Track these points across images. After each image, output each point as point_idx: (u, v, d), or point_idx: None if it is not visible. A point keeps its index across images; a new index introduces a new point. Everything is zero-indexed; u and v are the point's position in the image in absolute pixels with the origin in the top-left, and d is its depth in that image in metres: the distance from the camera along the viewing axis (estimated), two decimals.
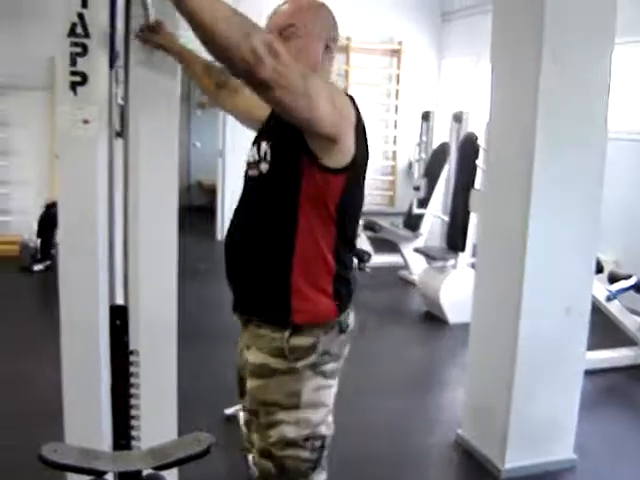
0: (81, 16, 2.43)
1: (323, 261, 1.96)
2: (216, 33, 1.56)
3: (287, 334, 1.96)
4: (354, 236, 2.08)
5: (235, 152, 8.40)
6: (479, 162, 5.81)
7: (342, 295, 2.03)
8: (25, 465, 3.07)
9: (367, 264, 7.10)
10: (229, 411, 3.89)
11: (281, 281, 1.95)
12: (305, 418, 1.99)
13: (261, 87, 1.67)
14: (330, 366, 2.04)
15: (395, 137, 9.98)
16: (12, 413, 3.90)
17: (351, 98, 1.94)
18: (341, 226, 1.96)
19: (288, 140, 1.89)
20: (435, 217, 7.62)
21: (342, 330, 2.06)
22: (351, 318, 2.12)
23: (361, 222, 7.76)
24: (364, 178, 2.02)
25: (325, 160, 1.87)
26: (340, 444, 3.65)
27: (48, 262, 7.26)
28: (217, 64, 2.11)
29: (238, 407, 2.58)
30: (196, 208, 10.72)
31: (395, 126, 9.95)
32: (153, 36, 2.43)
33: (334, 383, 2.08)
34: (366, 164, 2.00)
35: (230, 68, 1.67)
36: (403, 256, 7.62)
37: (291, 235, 1.92)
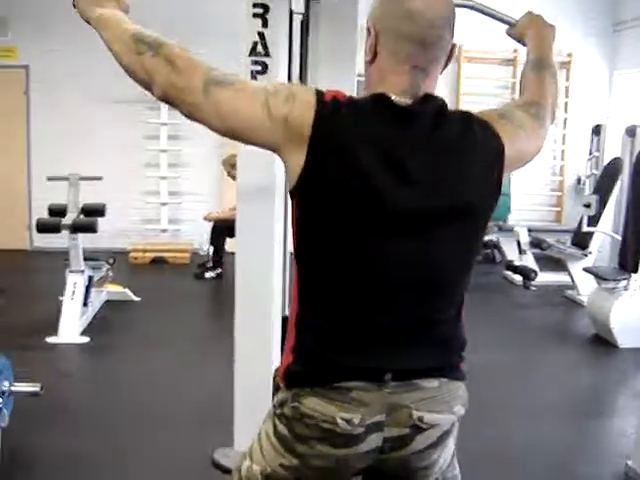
0: (262, 35, 2.52)
1: (294, 301, 1.60)
2: (114, 53, 1.54)
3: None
4: (337, 283, 1.53)
5: None
6: None
7: (305, 352, 1.57)
8: (194, 467, 3.24)
9: (533, 282, 6.92)
10: None
11: None
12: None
13: (174, 107, 1.52)
14: (281, 427, 1.58)
15: (563, 152, 9.65)
16: (183, 415, 4.09)
17: (324, 106, 1.47)
18: (304, 262, 1.57)
19: None
20: (606, 235, 7.29)
21: (289, 413, 1.56)
22: (320, 410, 1.51)
23: (527, 239, 7.57)
24: (347, 212, 1.47)
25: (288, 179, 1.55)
26: (496, 470, 3.58)
27: (219, 270, 7.53)
28: None
29: None
30: None
31: (563, 141, 9.63)
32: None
33: (279, 451, 1.59)
34: (344, 191, 1.45)
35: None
36: (570, 275, 7.35)
37: None
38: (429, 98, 1.52)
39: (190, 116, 1.52)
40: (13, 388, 3.18)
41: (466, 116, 1.56)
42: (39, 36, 8.50)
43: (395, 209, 1.46)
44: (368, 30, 1.54)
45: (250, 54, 2.54)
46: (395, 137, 1.47)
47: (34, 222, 6.22)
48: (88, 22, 1.63)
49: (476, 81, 9.26)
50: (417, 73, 1.51)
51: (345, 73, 2.61)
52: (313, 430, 1.52)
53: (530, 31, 2.00)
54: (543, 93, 1.78)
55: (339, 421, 1.49)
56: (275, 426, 1.58)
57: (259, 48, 2.53)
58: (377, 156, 1.45)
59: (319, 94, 1.49)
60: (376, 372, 1.51)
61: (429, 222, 1.49)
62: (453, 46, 1.57)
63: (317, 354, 1.54)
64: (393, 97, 1.49)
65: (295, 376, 1.56)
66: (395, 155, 1.46)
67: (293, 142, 1.47)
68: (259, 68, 2.53)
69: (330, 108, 1.47)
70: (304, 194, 1.49)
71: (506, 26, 2.16)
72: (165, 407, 4.20)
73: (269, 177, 2.52)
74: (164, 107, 8.47)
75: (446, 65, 1.58)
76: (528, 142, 1.66)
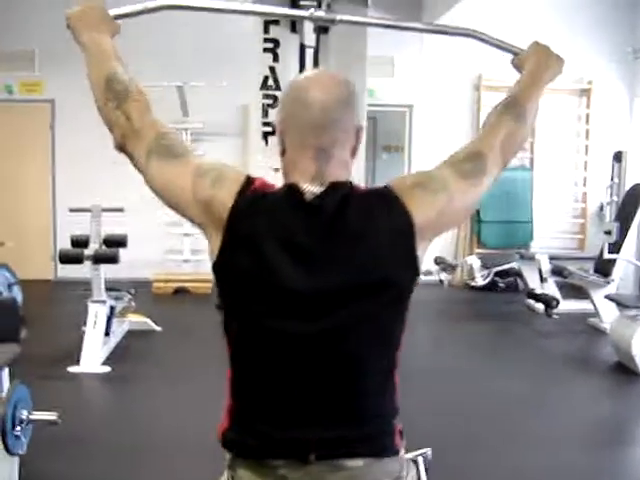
0: (272, 69, 2.58)
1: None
2: (90, 82, 1.62)
3: None
4: (250, 360, 1.59)
5: None
6: None
7: (237, 421, 1.60)
8: None
9: (555, 310, 6.89)
10: None
11: None
12: None
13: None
14: None
15: (585, 179, 9.63)
16: (197, 446, 4.07)
17: (248, 196, 1.52)
18: (225, 332, 1.63)
19: None
20: (628, 263, 7.25)
21: (231, 474, 1.60)
22: None
23: (549, 267, 7.53)
24: (251, 298, 1.52)
25: None
26: None
27: None
28: None
29: None
30: None
31: (585, 167, 9.61)
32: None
33: None
34: (249, 279, 1.51)
35: None
36: (593, 303, 7.29)
37: None
38: (336, 186, 1.54)
39: (139, 173, 1.61)
40: (31, 417, 3.22)
41: (372, 197, 1.57)
42: (65, 70, 8.60)
43: (298, 294, 1.48)
44: (275, 127, 1.63)
45: (261, 88, 2.59)
46: (302, 228, 1.50)
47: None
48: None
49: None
50: (320, 157, 1.55)
51: None
52: None
53: (531, 58, 1.90)
54: (492, 142, 1.69)
55: None
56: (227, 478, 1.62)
57: (270, 82, 2.59)
58: (283, 247, 1.49)
59: (247, 182, 1.54)
60: (301, 451, 1.51)
61: (335, 303, 1.49)
62: (359, 129, 1.60)
63: (247, 427, 1.57)
64: (303, 187, 1.53)
65: (230, 444, 1.59)
66: (300, 245, 1.49)
67: (212, 224, 1.53)
68: (270, 102, 2.59)
69: (250, 198, 1.51)
70: (219, 274, 1.54)
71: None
72: (180, 437, 4.21)
73: None
74: (186, 135, 8.60)
75: (355, 149, 1.61)
76: (451, 204, 1.59)
